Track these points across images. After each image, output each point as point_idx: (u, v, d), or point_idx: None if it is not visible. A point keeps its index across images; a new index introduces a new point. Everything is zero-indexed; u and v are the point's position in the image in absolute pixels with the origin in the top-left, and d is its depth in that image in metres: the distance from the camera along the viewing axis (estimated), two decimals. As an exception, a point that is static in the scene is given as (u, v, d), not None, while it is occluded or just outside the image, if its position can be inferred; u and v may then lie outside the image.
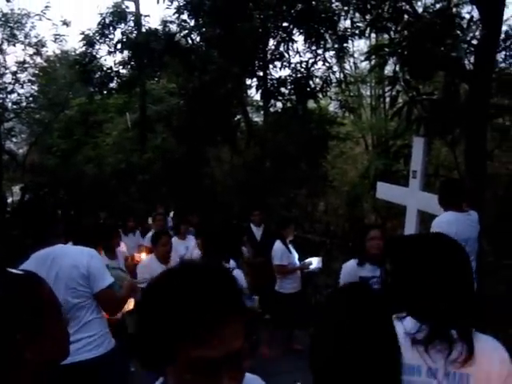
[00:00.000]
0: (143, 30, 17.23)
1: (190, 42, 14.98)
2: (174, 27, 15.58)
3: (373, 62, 9.27)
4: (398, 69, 7.78)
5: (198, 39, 14.86)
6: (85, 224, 5.60)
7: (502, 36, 8.50)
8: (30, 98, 26.32)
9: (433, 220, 5.10)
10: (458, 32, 7.11)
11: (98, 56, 17.73)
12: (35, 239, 3.58)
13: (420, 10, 8.31)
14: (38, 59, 25.53)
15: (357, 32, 13.25)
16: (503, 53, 9.21)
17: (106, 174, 20.77)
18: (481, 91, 6.83)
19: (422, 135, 6.81)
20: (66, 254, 3.57)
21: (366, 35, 12.68)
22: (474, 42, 7.36)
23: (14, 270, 1.55)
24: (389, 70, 10.57)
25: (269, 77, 14.67)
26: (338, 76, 15.05)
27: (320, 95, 14.89)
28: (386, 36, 10.08)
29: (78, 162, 22.67)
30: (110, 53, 17.37)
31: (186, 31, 14.72)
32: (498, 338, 1.92)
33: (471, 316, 1.91)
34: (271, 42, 14.56)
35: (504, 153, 11.31)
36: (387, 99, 16.43)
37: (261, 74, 14.53)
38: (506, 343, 1.92)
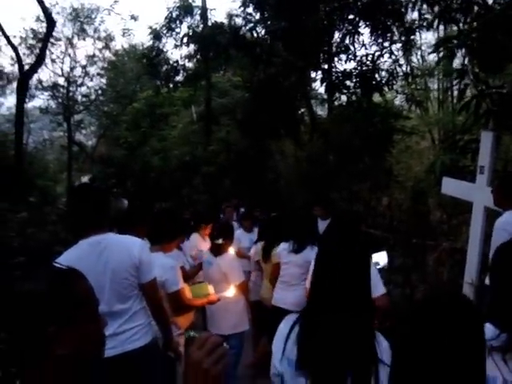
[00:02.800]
0: (209, 23, 17.42)
1: (255, 35, 15.04)
2: (239, 21, 15.74)
3: (441, 55, 9.07)
4: (466, 61, 7.60)
5: (262, 32, 14.91)
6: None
7: None
8: (99, 91, 27.14)
9: (499, 217, 4.97)
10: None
11: (164, 50, 18.08)
12: (89, 225, 3.55)
13: (490, 1, 8.05)
14: (107, 53, 26.36)
15: (424, 24, 12.97)
16: None
17: (171, 165, 21.13)
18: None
19: (491, 130, 6.62)
20: (118, 243, 3.59)
21: (434, 27, 12.42)
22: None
23: (57, 264, 1.59)
24: (457, 62, 10.37)
25: (334, 70, 14.59)
26: (404, 69, 14.77)
27: (386, 88, 14.70)
28: (454, 28, 9.84)
29: (145, 153, 23.17)
30: (176, 46, 17.69)
31: (252, 24, 14.79)
32: None
33: None
34: (336, 35, 14.48)
35: None
36: (455, 93, 16.07)
37: (325, 66, 14.46)
38: None
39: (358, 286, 2.06)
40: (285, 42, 13.46)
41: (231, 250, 6.35)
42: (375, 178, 12.06)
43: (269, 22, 14.32)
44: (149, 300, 3.72)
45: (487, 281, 5.00)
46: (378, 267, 6.90)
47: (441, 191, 6.88)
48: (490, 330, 1.85)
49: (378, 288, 4.02)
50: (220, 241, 5.77)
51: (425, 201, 10.75)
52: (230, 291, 5.27)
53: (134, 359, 3.54)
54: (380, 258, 6.88)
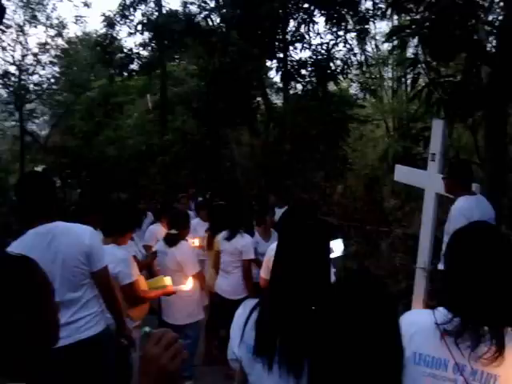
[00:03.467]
0: (164, 11, 17.22)
1: (210, 23, 14.95)
2: (194, 8, 15.58)
3: (394, 44, 9.16)
4: (419, 51, 7.69)
5: (218, 20, 14.83)
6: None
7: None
8: (52, 80, 26.54)
9: (451, 203, 5.07)
10: (481, 13, 7.00)
11: (118, 37, 17.79)
12: (36, 214, 3.48)
13: (442, -9, 8.16)
14: (60, 41, 25.75)
15: (378, 13, 13.12)
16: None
17: (126, 155, 20.89)
18: (502, 74, 6.72)
19: (442, 118, 6.74)
20: (68, 231, 3.52)
21: (388, 16, 12.56)
22: (497, 24, 7.25)
23: (9, 251, 1.57)
24: (411, 52, 10.47)
25: (289, 58, 14.61)
26: (358, 58, 14.92)
27: (340, 77, 14.80)
28: (408, 18, 9.95)
29: (100, 143, 22.83)
30: (130, 34, 17.41)
31: (206, 12, 14.68)
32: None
33: (508, 313, 1.82)
34: (292, 24, 14.50)
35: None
36: (408, 81, 16.26)
37: (281, 55, 14.48)
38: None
39: (318, 272, 2.05)
40: (240, 30, 13.40)
41: (196, 241, 6.39)
42: (330, 167, 12.16)
43: (224, 10, 14.25)
44: (100, 288, 3.67)
45: (440, 266, 5.11)
46: (334, 255, 6.98)
47: (394, 179, 6.97)
48: (442, 314, 1.87)
49: None
50: (173, 231, 5.74)
51: (379, 188, 10.90)
52: (188, 285, 5.23)
53: (87, 348, 3.50)
54: (336, 246, 6.94)
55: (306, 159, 12.20)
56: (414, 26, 7.45)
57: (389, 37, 8.15)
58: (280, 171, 12.17)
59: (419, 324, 1.93)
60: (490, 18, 8.23)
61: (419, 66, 7.74)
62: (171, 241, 5.70)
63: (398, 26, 8.23)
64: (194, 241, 7.22)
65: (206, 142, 15.75)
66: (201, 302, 5.95)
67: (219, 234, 6.36)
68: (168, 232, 5.90)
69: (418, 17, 8.06)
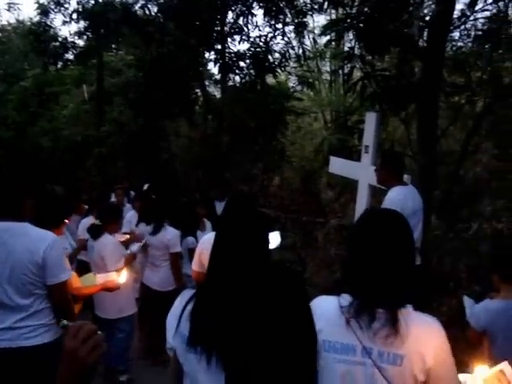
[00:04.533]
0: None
1: (147, 12, 14.73)
2: (131, -3, 15.30)
3: (330, 37, 9.26)
4: (355, 44, 7.81)
5: (155, 10, 14.62)
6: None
7: (458, 14, 8.60)
8: (-17, 69, 25.67)
9: (383, 194, 5.17)
10: (413, 8, 7.15)
11: (53, 26, 17.26)
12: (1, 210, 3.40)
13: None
14: (-8, 28, 24.90)
15: (316, 7, 13.22)
16: (459, 31, 9.33)
17: (61, 147, 20.39)
18: (433, 68, 6.91)
19: (376, 111, 6.87)
20: (26, 236, 3.38)
21: (324, 10, 12.67)
22: (428, 19, 7.42)
23: None
24: (348, 45, 10.62)
25: (227, 50, 14.55)
26: (296, 51, 14.98)
27: (279, 70, 14.85)
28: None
29: (34, 134, 22.19)
30: (65, 23, 16.91)
31: (143, 1, 14.46)
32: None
33: (405, 294, 1.89)
34: (230, 15, 14.44)
35: (458, 130, 11.49)
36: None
37: (219, 47, 14.40)
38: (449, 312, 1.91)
39: (257, 264, 2.05)
40: (177, 20, 13.25)
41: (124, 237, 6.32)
42: (268, 159, 12.23)
43: (161, 0, 14.07)
44: (54, 302, 3.53)
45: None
46: (272, 247, 7.00)
47: (329, 170, 7.08)
48: (346, 299, 1.92)
49: None
50: (97, 222, 5.68)
51: (315, 180, 11.04)
52: (122, 277, 5.11)
53: (27, 356, 3.38)
54: (273, 238, 6.97)
55: (244, 151, 12.22)
56: (348, 20, 7.57)
57: (324, 30, 8.25)
58: (218, 163, 12.15)
59: (324, 310, 1.96)
60: (424, 12, 8.41)
61: (354, 59, 7.86)
62: (94, 232, 5.63)
63: (333, 19, 8.30)
64: (123, 236, 7.06)
65: (143, 134, 15.53)
66: (132, 295, 5.89)
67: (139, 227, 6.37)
68: (92, 223, 5.83)
69: (353, 10, 8.19)
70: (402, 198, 4.91)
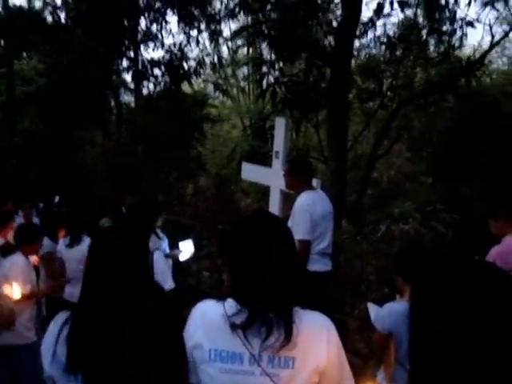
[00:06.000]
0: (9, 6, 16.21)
1: (56, 19, 14.31)
2: (39, 4, 14.85)
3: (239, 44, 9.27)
4: (263, 50, 7.83)
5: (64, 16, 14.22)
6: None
7: (366, 20, 8.77)
8: None
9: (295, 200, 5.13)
10: (319, 14, 7.23)
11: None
12: None
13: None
14: None
15: (228, 13, 13.21)
16: (370, 38, 9.55)
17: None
18: (341, 74, 6.97)
19: (286, 116, 6.86)
20: None
21: (237, 17, 12.66)
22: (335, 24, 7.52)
23: None
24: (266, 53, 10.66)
25: (140, 58, 14.33)
26: (211, 58, 14.97)
27: (194, 77, 14.76)
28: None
29: None
30: (-30, 29, 16.18)
31: (52, 8, 14.03)
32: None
33: (293, 295, 1.83)
34: (143, 23, 14.24)
35: (372, 135, 11.73)
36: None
37: (131, 54, 14.16)
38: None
39: (131, 283, 1.97)
40: (85, 27, 12.90)
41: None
42: (183, 167, 12.11)
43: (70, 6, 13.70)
44: None
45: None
46: (184, 257, 6.84)
47: (241, 176, 7.01)
48: (231, 305, 1.81)
49: (165, 282, 3.89)
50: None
51: (228, 187, 10.99)
52: (16, 293, 4.68)
53: None
54: (185, 247, 6.81)
55: (158, 160, 12.02)
56: (257, 26, 7.57)
57: (234, 36, 8.21)
58: (133, 172, 11.89)
59: (208, 317, 1.86)
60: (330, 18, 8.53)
61: (264, 65, 7.86)
62: (4, 251, 5.23)
63: (243, 26, 8.29)
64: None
65: (56, 144, 15.00)
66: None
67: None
68: (6, 242, 5.46)
69: (262, 16, 8.21)
70: (310, 203, 4.89)
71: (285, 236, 1.91)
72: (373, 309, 3.60)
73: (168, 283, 3.98)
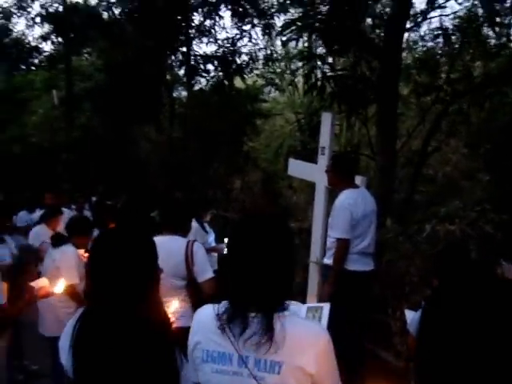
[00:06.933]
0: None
1: (111, 15, 14.53)
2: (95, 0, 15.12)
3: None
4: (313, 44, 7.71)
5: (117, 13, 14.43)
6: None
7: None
8: None
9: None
10: (369, 6, 7.04)
11: (15, 30, 17.00)
12: None
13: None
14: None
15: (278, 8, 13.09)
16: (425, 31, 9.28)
17: (31, 153, 20.08)
18: (390, 67, 6.78)
19: (336, 111, 6.74)
20: None
21: (288, 11, 12.52)
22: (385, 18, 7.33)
23: None
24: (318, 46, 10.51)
25: (193, 53, 14.40)
26: (264, 53, 14.89)
27: (247, 72, 14.73)
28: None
29: (3, 141, 21.85)
30: (28, 27, 16.65)
31: (105, 4, 14.25)
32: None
33: (282, 298, 1.81)
34: (197, 18, 14.30)
35: (426, 130, 11.40)
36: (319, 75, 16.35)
37: (184, 49, 14.23)
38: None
39: (133, 283, 1.98)
40: (137, 23, 13.03)
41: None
42: (233, 162, 12.11)
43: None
44: None
45: (326, 260, 5.08)
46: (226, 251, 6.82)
47: (288, 173, 6.93)
48: (223, 304, 1.83)
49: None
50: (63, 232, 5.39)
51: (276, 182, 10.92)
52: (59, 286, 4.70)
53: None
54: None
55: (210, 155, 12.07)
56: (305, 19, 7.43)
57: (282, 30, 8.09)
58: (185, 168, 11.97)
59: (200, 320, 1.91)
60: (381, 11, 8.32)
61: (313, 59, 7.73)
62: (55, 240, 5.30)
63: (291, 19, 8.16)
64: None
65: (112, 139, 15.30)
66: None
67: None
68: (57, 232, 5.54)
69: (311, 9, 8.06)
70: (351, 202, 4.79)
71: (274, 238, 1.87)
72: (408, 315, 3.51)
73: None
